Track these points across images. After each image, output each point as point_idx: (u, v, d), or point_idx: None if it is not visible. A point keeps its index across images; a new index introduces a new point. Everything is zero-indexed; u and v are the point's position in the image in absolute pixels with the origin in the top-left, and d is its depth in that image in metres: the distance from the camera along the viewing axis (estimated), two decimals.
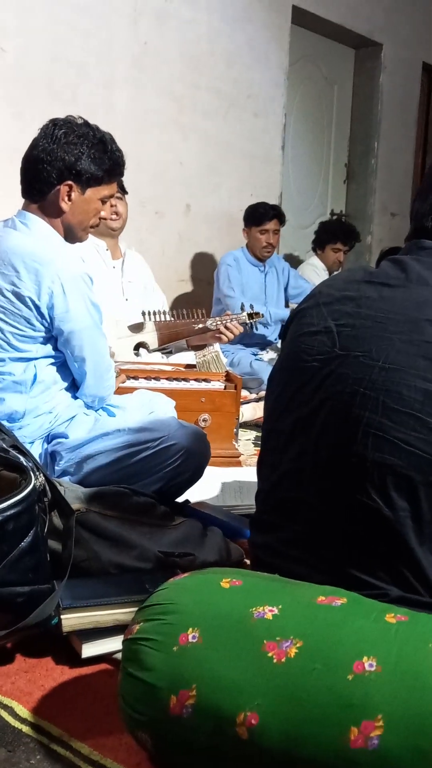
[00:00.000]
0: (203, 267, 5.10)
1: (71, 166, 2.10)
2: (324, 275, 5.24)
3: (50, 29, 3.95)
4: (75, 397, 2.24)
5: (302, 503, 1.31)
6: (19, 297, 2.05)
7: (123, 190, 3.56)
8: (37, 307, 2.06)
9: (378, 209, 6.62)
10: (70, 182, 2.11)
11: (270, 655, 1.03)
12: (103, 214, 2.25)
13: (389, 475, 1.20)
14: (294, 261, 6.04)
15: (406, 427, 1.21)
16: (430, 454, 1.20)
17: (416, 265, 1.35)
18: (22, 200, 2.19)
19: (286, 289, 4.88)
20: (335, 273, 5.17)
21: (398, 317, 1.28)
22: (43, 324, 2.08)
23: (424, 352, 1.24)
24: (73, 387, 2.24)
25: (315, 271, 5.22)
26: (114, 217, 3.51)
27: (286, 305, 4.91)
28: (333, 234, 5.27)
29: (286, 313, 4.54)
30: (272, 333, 4.65)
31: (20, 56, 3.85)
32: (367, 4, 6.07)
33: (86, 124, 2.16)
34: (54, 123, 2.13)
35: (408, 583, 1.21)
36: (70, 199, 2.13)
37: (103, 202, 2.22)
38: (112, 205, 3.47)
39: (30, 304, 2.05)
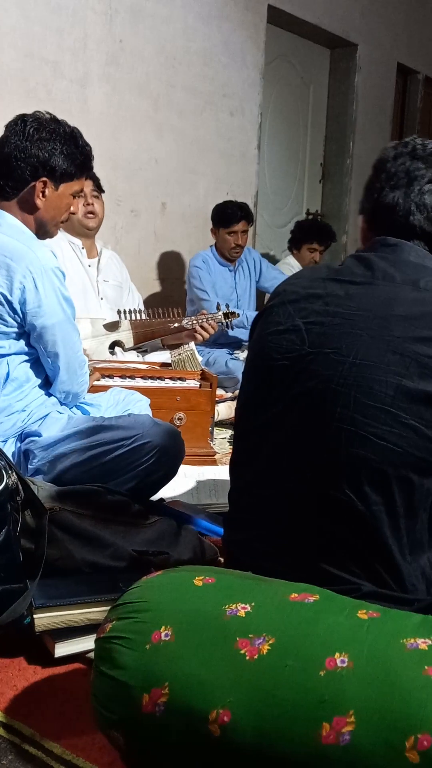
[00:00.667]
0: (179, 266, 5.09)
1: (45, 162, 2.09)
2: None
3: (24, 27, 3.93)
4: (48, 395, 2.23)
5: (276, 500, 1.31)
6: None
7: (99, 189, 3.54)
8: (9, 303, 2.04)
9: (353, 209, 6.64)
10: (44, 179, 2.10)
11: (242, 652, 1.03)
12: (72, 209, 2.24)
13: (363, 470, 1.21)
14: (270, 260, 6.05)
15: (378, 421, 1.22)
16: (402, 448, 1.21)
17: (381, 262, 1.36)
18: None
19: (258, 281, 4.85)
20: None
21: (366, 314, 1.29)
22: (15, 319, 2.07)
23: (394, 347, 1.24)
24: (47, 384, 2.23)
25: (291, 271, 5.22)
26: (90, 215, 3.49)
27: (260, 305, 4.90)
28: (309, 234, 5.27)
29: None
30: (246, 334, 4.64)
31: None
32: (343, 5, 6.09)
33: (54, 119, 2.16)
34: (22, 119, 2.11)
35: (381, 578, 1.22)
36: (44, 196, 2.12)
37: (74, 196, 2.22)
38: (88, 204, 3.46)
39: (2, 299, 2.04)
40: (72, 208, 2.23)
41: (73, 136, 2.15)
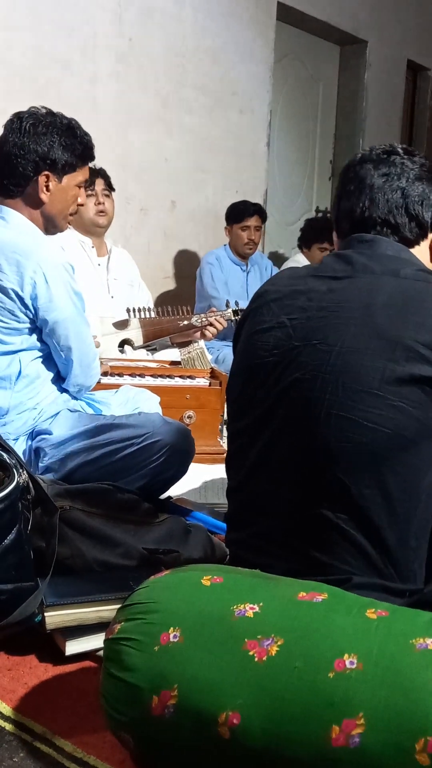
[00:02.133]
0: (188, 264, 5.09)
1: (45, 156, 2.10)
2: None
3: (34, 25, 3.93)
4: (60, 392, 2.24)
5: (270, 495, 1.33)
6: (2, 289, 2.05)
7: (110, 188, 3.55)
8: (21, 298, 2.05)
9: None
10: (47, 173, 2.11)
11: (251, 653, 1.03)
12: (80, 199, 2.25)
13: (354, 454, 1.24)
14: (279, 258, 6.04)
15: (367, 405, 1.24)
16: (392, 430, 1.23)
17: (360, 257, 1.39)
18: None
19: None
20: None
21: (350, 304, 1.32)
22: (27, 315, 2.08)
23: (379, 334, 1.27)
24: (58, 381, 2.24)
25: None
26: (101, 214, 3.50)
27: None
28: (319, 232, 5.25)
29: None
30: None
31: (3, 52, 3.82)
32: (353, 2, 6.07)
33: (50, 112, 2.16)
34: (18, 117, 2.12)
35: (374, 565, 1.23)
36: (48, 190, 2.13)
37: (79, 187, 2.22)
38: (99, 203, 3.46)
39: (13, 295, 2.05)
40: (80, 199, 2.24)
41: (71, 127, 2.15)
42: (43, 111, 2.15)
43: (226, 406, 1.78)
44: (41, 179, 2.11)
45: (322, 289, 1.37)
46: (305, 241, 5.29)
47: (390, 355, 1.25)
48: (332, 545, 1.24)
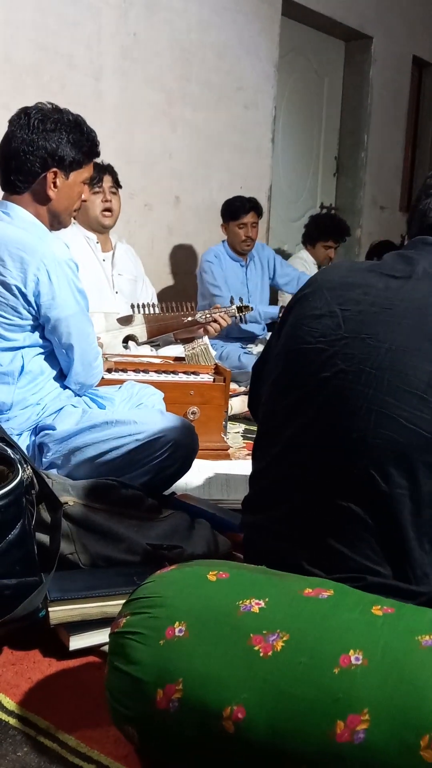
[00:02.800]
0: (192, 259, 5.09)
1: (53, 153, 2.10)
2: (314, 269, 5.23)
3: (38, 20, 3.93)
4: (63, 388, 2.24)
5: (295, 480, 1.32)
6: (5, 286, 2.05)
7: (117, 185, 3.54)
8: (24, 295, 2.05)
9: (367, 202, 6.62)
10: (55, 169, 2.11)
11: (256, 648, 1.03)
12: (84, 195, 2.25)
13: (389, 452, 1.22)
14: (283, 254, 6.04)
15: (410, 406, 1.23)
16: (430, 433, 1.22)
17: (422, 260, 1.38)
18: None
19: (273, 278, 4.84)
20: (335, 261, 5.16)
21: (405, 305, 1.31)
22: (30, 312, 2.08)
23: (430, 336, 1.26)
24: (61, 377, 2.24)
25: (305, 265, 5.21)
26: (107, 213, 3.50)
27: (273, 300, 4.90)
28: (324, 231, 5.25)
29: (275, 311, 4.53)
30: (260, 328, 4.63)
31: (8, 47, 3.82)
32: None
33: (57, 108, 2.16)
34: (25, 112, 2.12)
35: (391, 562, 1.22)
36: (55, 186, 2.13)
37: (85, 184, 2.23)
38: (106, 200, 3.47)
39: (16, 292, 2.05)
40: (84, 195, 2.24)
41: (78, 123, 2.16)
42: (50, 107, 2.15)
43: (249, 388, 1.76)
44: (49, 176, 2.11)
45: (379, 286, 1.36)
46: (310, 239, 5.29)
47: None
48: (353, 538, 1.24)
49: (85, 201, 2.29)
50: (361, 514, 1.24)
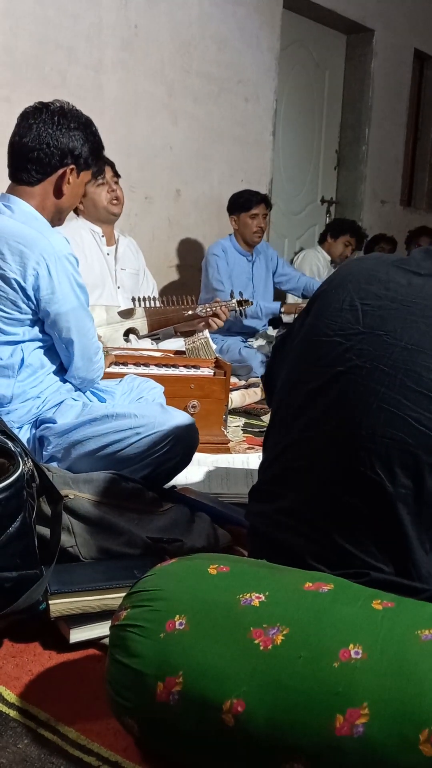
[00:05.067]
0: (193, 252, 5.09)
1: (73, 150, 2.14)
2: (326, 266, 5.32)
3: (39, 12, 3.92)
4: (63, 381, 2.24)
5: (304, 472, 1.32)
6: (5, 279, 2.04)
7: (117, 175, 3.54)
8: (23, 289, 2.05)
9: (368, 196, 6.61)
10: (72, 165, 2.14)
11: (257, 642, 1.03)
12: (89, 191, 2.29)
13: (397, 451, 1.22)
14: (284, 248, 6.04)
15: (421, 407, 1.22)
16: None
17: None
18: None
19: (274, 274, 4.86)
20: (363, 255, 5.19)
21: (425, 303, 1.30)
22: (29, 306, 2.08)
23: None
24: (61, 371, 2.24)
25: (318, 260, 5.28)
26: (115, 202, 3.51)
27: (275, 297, 4.91)
28: (350, 227, 5.40)
29: (276, 306, 4.54)
30: (260, 323, 4.64)
31: (8, 39, 3.81)
32: None
33: (74, 108, 2.19)
34: (46, 107, 2.14)
35: (394, 562, 1.22)
36: (69, 183, 2.15)
37: (85, 185, 2.27)
38: (112, 190, 3.47)
39: (15, 286, 2.04)
40: (91, 191, 2.28)
41: (91, 124, 2.20)
42: (67, 105, 2.17)
43: (264, 380, 1.76)
44: (67, 171, 2.14)
45: (402, 282, 1.35)
46: (334, 231, 5.35)
47: None
48: (358, 534, 1.23)
49: (81, 203, 2.32)
50: (365, 512, 1.24)
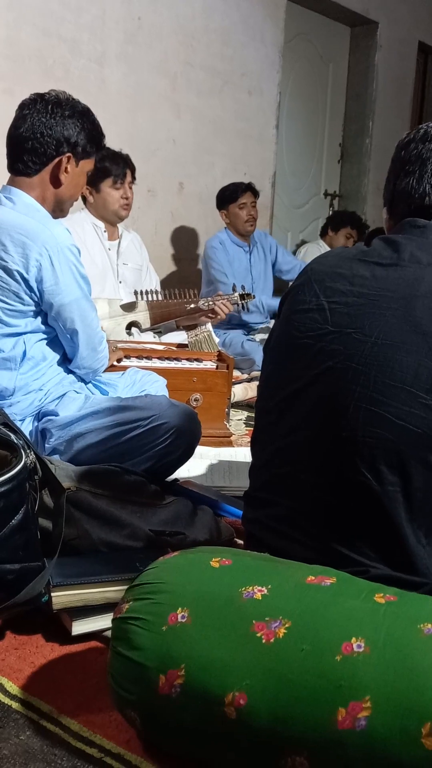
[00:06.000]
0: (195, 246, 5.08)
1: (69, 138, 2.13)
2: None
3: (42, 4, 3.90)
4: (67, 373, 2.24)
5: (293, 479, 1.32)
6: (7, 271, 2.04)
7: (134, 178, 3.55)
8: (26, 281, 2.05)
9: (372, 189, 6.60)
10: (69, 154, 2.13)
11: (259, 635, 1.03)
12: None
13: (380, 450, 1.21)
14: (287, 241, 6.02)
15: (398, 401, 1.21)
16: (421, 429, 1.20)
17: (409, 244, 1.35)
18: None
19: (275, 266, 4.84)
20: (326, 251, 5.17)
21: (391, 295, 1.28)
22: (32, 298, 2.08)
23: (416, 328, 1.24)
24: (63, 363, 2.24)
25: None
26: (126, 207, 3.51)
27: (276, 287, 4.89)
28: (351, 219, 5.36)
29: (277, 304, 4.51)
30: (262, 317, 4.63)
31: (11, 32, 3.80)
32: None
33: (71, 97, 2.18)
34: (41, 98, 2.13)
35: (392, 560, 1.22)
36: (67, 171, 2.14)
37: (87, 175, 2.25)
38: (126, 197, 3.48)
39: (18, 277, 2.04)
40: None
41: (89, 113, 2.19)
42: (63, 95, 2.16)
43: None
44: (63, 159, 2.12)
45: (366, 275, 1.33)
46: (335, 224, 5.33)
47: (427, 351, 1.22)
48: (351, 537, 1.23)
49: (82, 194, 2.30)
50: (356, 514, 1.23)
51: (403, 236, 1.38)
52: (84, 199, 3.49)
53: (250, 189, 4.56)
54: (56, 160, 2.13)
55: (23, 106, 2.13)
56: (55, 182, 2.15)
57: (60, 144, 2.12)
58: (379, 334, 1.25)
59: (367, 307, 1.29)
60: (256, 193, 4.62)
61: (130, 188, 3.50)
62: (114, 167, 3.40)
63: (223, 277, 4.43)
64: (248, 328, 4.56)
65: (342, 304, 1.32)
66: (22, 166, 2.13)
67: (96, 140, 2.20)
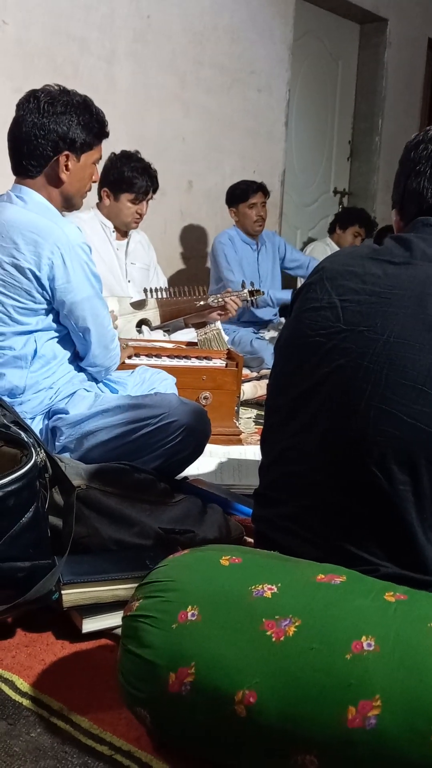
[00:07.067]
0: (205, 244, 5.08)
1: (64, 136, 2.10)
2: None
3: (51, 3, 3.91)
4: (78, 371, 2.25)
5: (302, 477, 1.32)
6: (19, 269, 2.05)
7: (153, 195, 3.55)
8: (38, 279, 2.05)
9: (381, 187, 6.57)
10: (67, 152, 2.11)
11: (269, 633, 1.03)
12: (94, 177, 2.25)
13: (390, 448, 1.21)
14: (296, 239, 6.02)
15: (410, 400, 1.21)
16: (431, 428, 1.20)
17: (421, 243, 1.35)
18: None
19: (283, 263, 4.84)
20: (338, 249, 5.17)
21: (403, 293, 1.28)
22: (44, 296, 2.08)
23: (428, 326, 1.24)
24: (74, 362, 2.24)
25: (327, 252, 5.23)
26: (138, 220, 3.52)
27: (284, 285, 4.89)
28: (359, 217, 5.33)
29: (287, 296, 4.52)
30: (272, 313, 4.62)
31: (21, 30, 3.81)
32: None
33: (65, 90, 2.15)
34: (34, 96, 2.11)
35: (402, 560, 1.22)
36: (67, 169, 2.13)
37: (95, 164, 2.23)
38: (141, 213, 3.48)
39: (30, 275, 2.05)
40: (93, 177, 2.24)
41: (87, 104, 2.15)
42: (57, 89, 2.14)
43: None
44: (61, 159, 2.11)
45: (378, 273, 1.33)
46: (342, 222, 5.31)
47: None
48: (361, 537, 1.23)
49: (95, 181, 2.28)
50: (366, 514, 1.23)
51: (415, 235, 1.38)
52: (99, 197, 3.49)
53: (261, 189, 4.56)
54: (54, 159, 2.11)
55: (18, 106, 2.12)
56: (57, 182, 2.14)
57: (56, 143, 2.10)
58: (391, 333, 1.25)
59: (379, 305, 1.28)
60: (267, 193, 4.61)
61: (147, 204, 3.51)
62: (138, 184, 3.40)
63: (231, 274, 4.42)
64: (258, 325, 4.56)
65: (354, 302, 1.31)
66: (23, 168, 2.13)
67: (95, 130, 2.16)
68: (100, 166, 2.33)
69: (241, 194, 4.53)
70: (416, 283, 1.28)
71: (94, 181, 2.28)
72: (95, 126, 2.16)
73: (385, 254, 1.36)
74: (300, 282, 5.12)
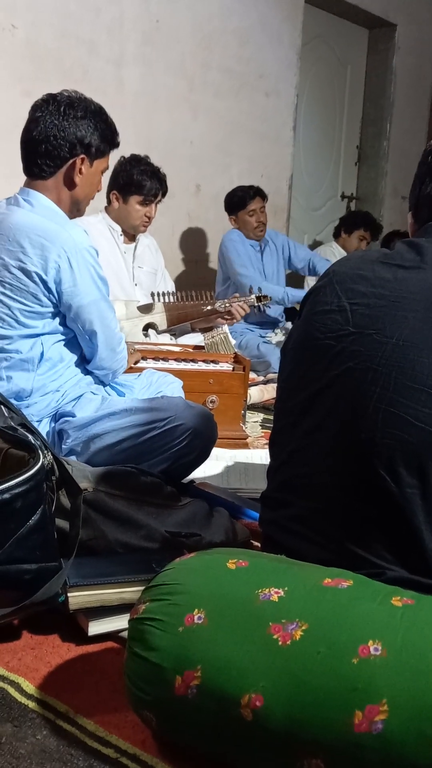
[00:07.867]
0: (212, 247, 5.08)
1: (82, 139, 2.13)
2: None
3: (60, 6, 3.92)
4: (85, 373, 2.25)
5: (310, 480, 1.32)
6: (26, 272, 2.05)
7: (162, 199, 3.56)
8: (44, 282, 2.06)
9: (389, 192, 6.58)
10: (83, 155, 2.14)
11: (275, 637, 1.03)
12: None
13: (399, 451, 1.21)
14: (303, 243, 6.01)
15: (418, 403, 1.21)
16: None
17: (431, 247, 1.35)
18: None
19: (289, 262, 4.83)
20: (341, 252, 5.17)
21: (413, 296, 1.28)
22: (50, 299, 2.09)
23: None
24: (81, 365, 2.25)
25: (333, 257, 5.23)
26: (146, 223, 3.53)
27: (290, 284, 4.88)
28: (364, 220, 5.32)
29: (302, 294, 4.50)
30: (277, 312, 4.60)
31: (30, 33, 3.82)
32: None
33: (83, 97, 2.18)
34: (53, 99, 2.14)
35: (409, 563, 1.21)
36: (81, 173, 2.15)
37: (102, 173, 2.26)
38: (150, 216, 3.49)
39: (37, 279, 2.06)
40: (98, 186, 2.26)
41: (102, 112, 2.19)
42: (75, 95, 2.17)
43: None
44: (77, 161, 2.13)
45: (388, 277, 1.33)
46: (347, 226, 5.29)
47: None
48: (368, 539, 1.23)
49: (98, 191, 2.30)
50: (374, 516, 1.23)
51: (427, 240, 1.38)
52: (108, 200, 3.50)
53: (258, 194, 4.55)
54: (70, 162, 2.14)
55: (35, 108, 2.14)
56: (70, 184, 2.16)
57: (73, 146, 2.12)
58: (400, 336, 1.25)
59: (388, 308, 1.29)
60: (264, 197, 4.60)
61: (156, 207, 3.52)
62: (148, 186, 3.41)
63: (243, 269, 4.40)
64: (267, 326, 4.54)
65: (363, 305, 1.32)
66: (37, 169, 2.14)
67: (109, 139, 2.20)
68: (107, 174, 2.35)
69: (239, 202, 4.53)
70: (426, 287, 1.29)
71: (98, 191, 2.30)
72: (109, 135, 2.20)
73: (396, 258, 1.36)
74: (306, 281, 5.12)
